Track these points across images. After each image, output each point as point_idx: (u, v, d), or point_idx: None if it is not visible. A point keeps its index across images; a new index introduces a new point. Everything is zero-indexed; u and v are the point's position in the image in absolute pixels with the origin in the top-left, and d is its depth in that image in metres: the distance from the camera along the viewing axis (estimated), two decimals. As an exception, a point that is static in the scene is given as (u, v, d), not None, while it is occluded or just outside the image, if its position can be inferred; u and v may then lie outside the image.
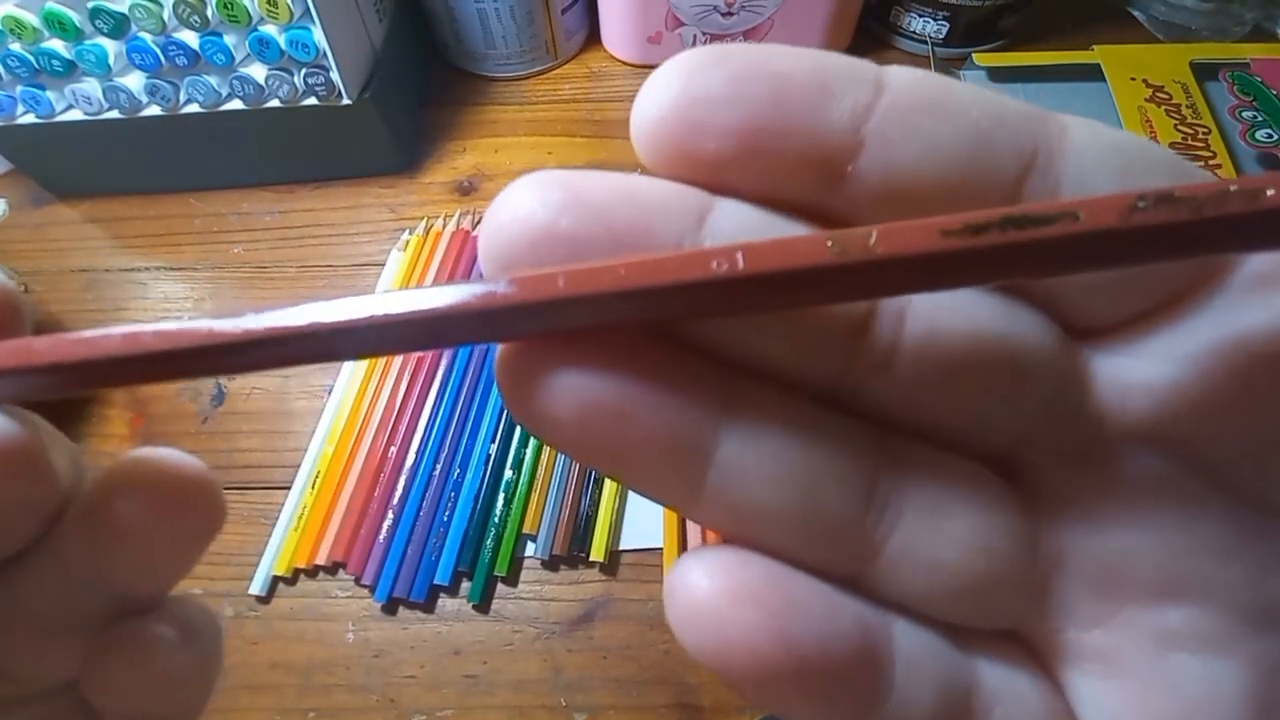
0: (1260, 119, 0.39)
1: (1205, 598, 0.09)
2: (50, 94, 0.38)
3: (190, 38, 0.35)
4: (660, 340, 0.09)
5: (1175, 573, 0.09)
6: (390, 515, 0.31)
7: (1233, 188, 0.06)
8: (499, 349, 0.08)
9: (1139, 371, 0.09)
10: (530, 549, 0.31)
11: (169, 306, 0.39)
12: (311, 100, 0.38)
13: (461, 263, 0.38)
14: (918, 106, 0.08)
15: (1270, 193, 0.06)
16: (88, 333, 0.08)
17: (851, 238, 0.07)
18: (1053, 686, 0.09)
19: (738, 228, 0.08)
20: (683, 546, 0.30)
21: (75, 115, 0.39)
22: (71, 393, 0.08)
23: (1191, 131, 0.39)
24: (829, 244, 0.07)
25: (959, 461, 0.09)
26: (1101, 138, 0.08)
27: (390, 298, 0.07)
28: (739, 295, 0.07)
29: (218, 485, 0.11)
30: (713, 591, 0.08)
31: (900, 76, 0.08)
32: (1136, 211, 0.07)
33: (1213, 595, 0.09)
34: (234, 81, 0.37)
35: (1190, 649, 0.09)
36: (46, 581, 0.10)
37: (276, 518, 0.32)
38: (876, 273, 0.07)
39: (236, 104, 0.38)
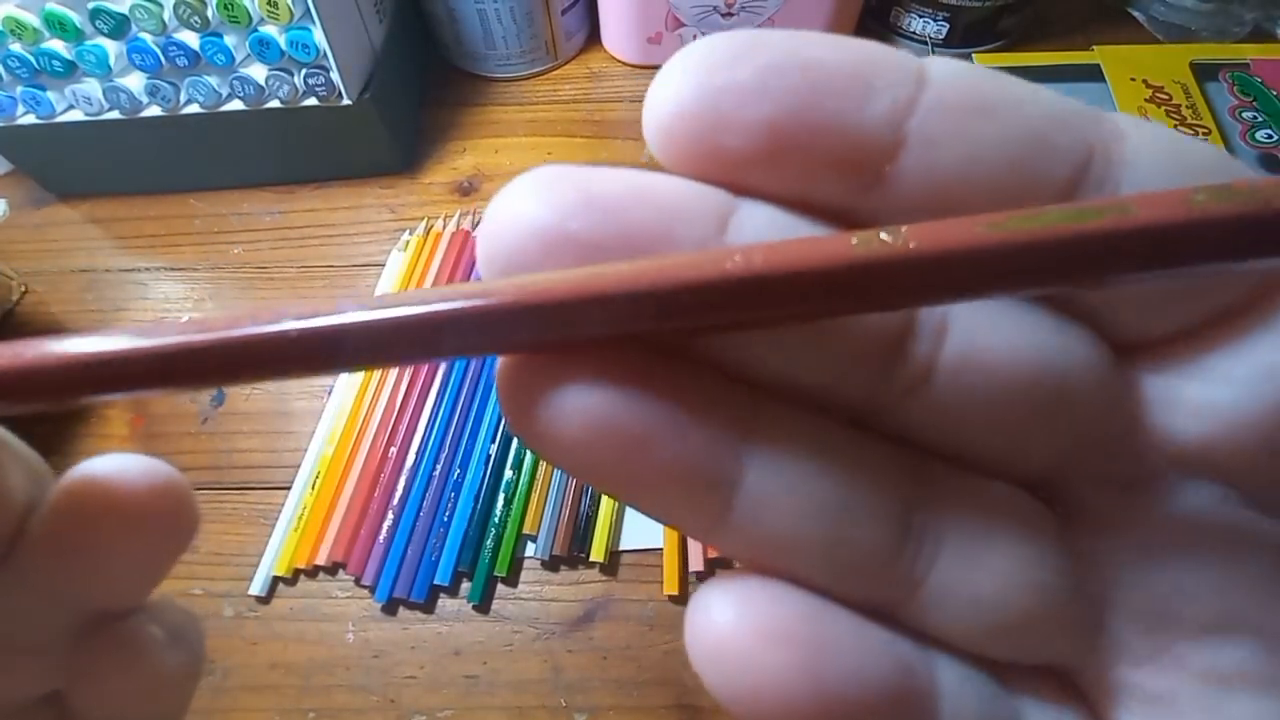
0: (1260, 119, 0.39)
1: (1259, 635, 0.08)
2: (51, 94, 0.38)
3: (190, 38, 0.35)
4: (678, 357, 0.08)
5: (1228, 609, 0.08)
6: (390, 515, 0.31)
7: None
8: (500, 361, 0.08)
9: (1192, 393, 0.08)
10: (530, 549, 0.31)
11: (169, 306, 0.39)
12: (311, 101, 0.38)
13: (462, 263, 0.38)
14: (965, 104, 0.07)
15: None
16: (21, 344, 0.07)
17: (879, 235, 0.06)
18: None
19: (762, 232, 0.08)
20: (683, 547, 0.30)
21: (76, 116, 0.39)
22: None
23: (1191, 132, 0.39)
24: (854, 241, 0.06)
25: (999, 488, 0.08)
26: (1161, 140, 0.08)
27: (374, 302, 0.07)
28: (757, 300, 0.07)
29: (187, 490, 0.10)
30: (739, 628, 0.07)
31: (945, 70, 0.07)
32: (1197, 205, 0.06)
33: (1266, 633, 0.08)
34: (234, 82, 0.37)
35: (1243, 688, 0.08)
36: (9, 600, 0.10)
37: (276, 518, 0.32)
38: (909, 273, 0.06)
39: (237, 104, 0.38)
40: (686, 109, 0.07)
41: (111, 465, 0.10)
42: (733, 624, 0.07)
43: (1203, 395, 0.08)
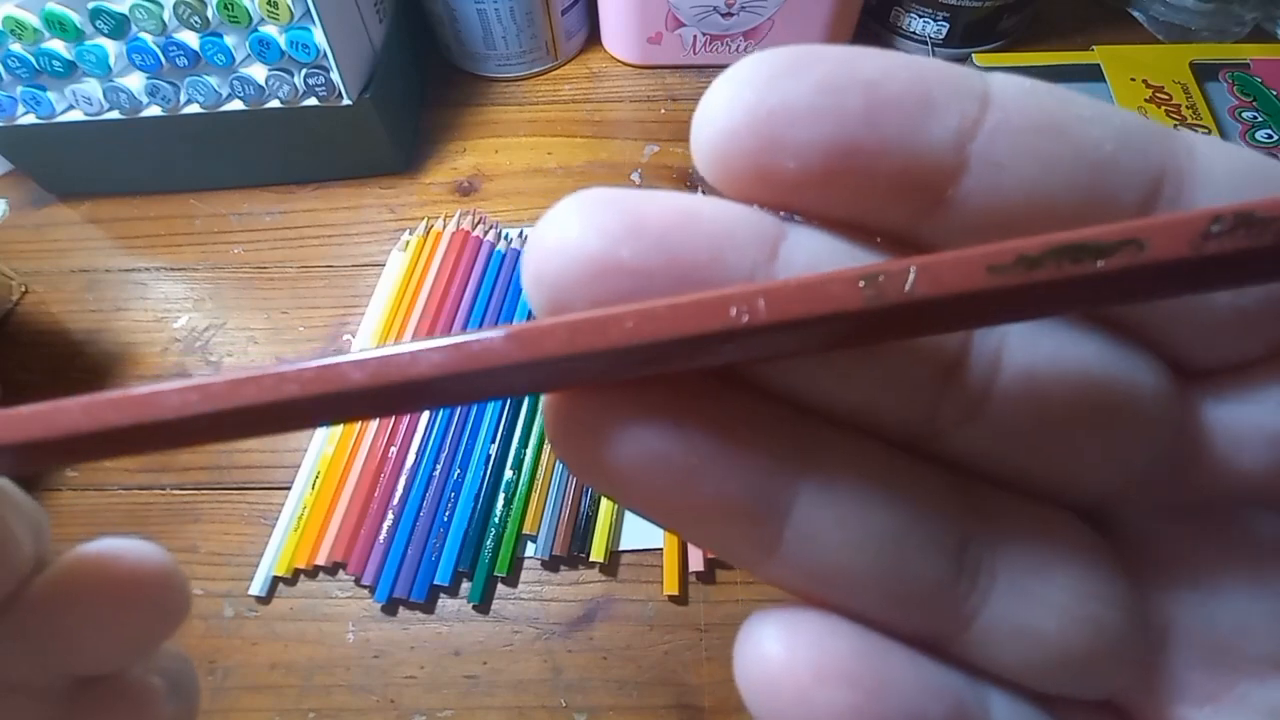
0: (1260, 119, 0.39)
1: None
2: (51, 94, 0.38)
3: (191, 38, 0.35)
4: (728, 384, 0.08)
5: None
6: (390, 515, 0.31)
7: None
8: (547, 396, 0.07)
9: (1258, 420, 0.08)
10: (530, 549, 0.31)
11: (169, 307, 0.39)
12: (312, 101, 0.38)
13: (461, 263, 0.38)
14: (1031, 124, 0.07)
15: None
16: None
17: (887, 276, 0.06)
18: None
19: (814, 259, 0.07)
20: (683, 547, 0.30)
21: (76, 116, 0.39)
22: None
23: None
24: (861, 284, 0.06)
25: (1056, 516, 0.08)
26: (1232, 158, 0.07)
27: (358, 358, 0.07)
28: (761, 344, 0.07)
29: (181, 577, 0.11)
30: (793, 663, 0.07)
31: (1009, 88, 0.07)
32: (1210, 238, 0.06)
33: None
34: (234, 82, 0.37)
35: None
36: (8, 647, 0.10)
37: (276, 518, 0.32)
38: (915, 316, 0.06)
39: (237, 104, 0.38)
40: (739, 128, 0.07)
41: (109, 548, 0.10)
42: (785, 658, 0.07)
43: (1266, 424, 0.08)
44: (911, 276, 0.06)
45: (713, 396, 0.07)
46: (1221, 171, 0.07)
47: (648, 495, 0.07)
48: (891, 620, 0.08)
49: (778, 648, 0.07)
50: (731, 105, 0.07)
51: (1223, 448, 0.08)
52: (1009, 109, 0.07)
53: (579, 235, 0.07)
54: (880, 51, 0.07)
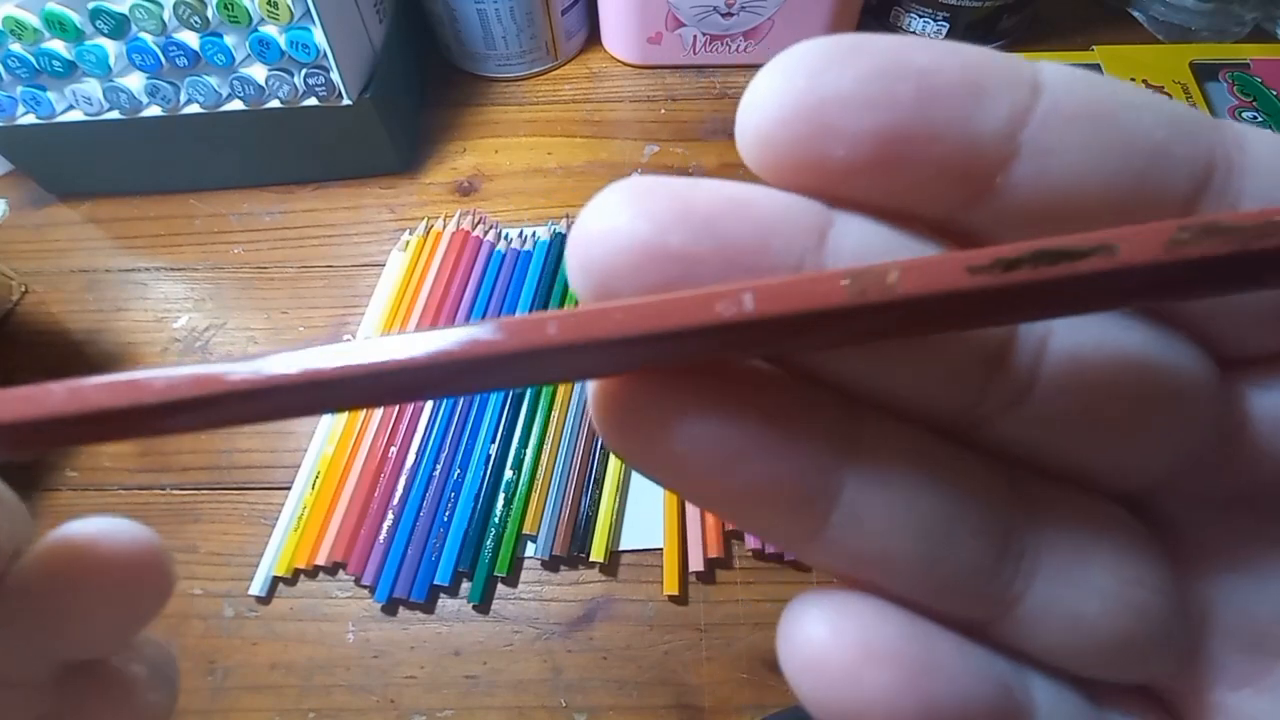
0: (1260, 119, 0.39)
1: None
2: (51, 95, 0.38)
3: (191, 38, 0.35)
4: (780, 373, 0.08)
5: None
6: (390, 515, 0.31)
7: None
8: (595, 383, 0.08)
9: None
10: (530, 549, 0.31)
11: (169, 307, 0.39)
12: (312, 101, 0.38)
13: (461, 263, 0.38)
14: (1081, 112, 0.07)
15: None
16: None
17: (871, 275, 0.06)
18: None
19: (862, 247, 0.07)
20: (683, 547, 0.30)
21: (76, 116, 0.39)
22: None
23: (1191, 132, 0.39)
24: (845, 283, 0.06)
25: (1099, 504, 0.08)
26: None
27: (357, 347, 0.07)
28: (751, 338, 0.07)
29: (165, 555, 0.10)
30: (841, 645, 0.07)
31: (1060, 76, 0.07)
32: (1178, 245, 0.06)
33: None
34: (234, 82, 0.37)
35: None
36: None
37: (276, 518, 0.32)
38: (900, 313, 0.06)
39: (237, 104, 0.38)
40: (789, 115, 0.07)
41: (93, 528, 0.10)
42: (831, 639, 0.07)
43: None
44: (895, 275, 0.06)
45: (763, 384, 0.08)
46: (1271, 162, 0.07)
47: (692, 481, 0.07)
48: (935, 604, 0.08)
49: (824, 630, 0.07)
50: (782, 93, 0.07)
51: (1264, 437, 0.08)
52: (1059, 96, 0.07)
53: (627, 222, 0.07)
54: (930, 41, 0.07)
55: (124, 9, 0.34)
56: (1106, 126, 0.07)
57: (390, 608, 0.30)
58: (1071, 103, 0.07)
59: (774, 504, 0.07)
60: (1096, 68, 0.42)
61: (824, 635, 0.07)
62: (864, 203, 0.07)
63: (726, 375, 0.07)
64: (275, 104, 0.38)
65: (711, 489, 0.07)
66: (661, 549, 0.30)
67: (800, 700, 0.08)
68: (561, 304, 0.36)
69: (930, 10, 0.45)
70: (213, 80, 0.37)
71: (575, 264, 0.07)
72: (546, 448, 0.32)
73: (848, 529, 0.08)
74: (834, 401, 0.08)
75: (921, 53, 0.07)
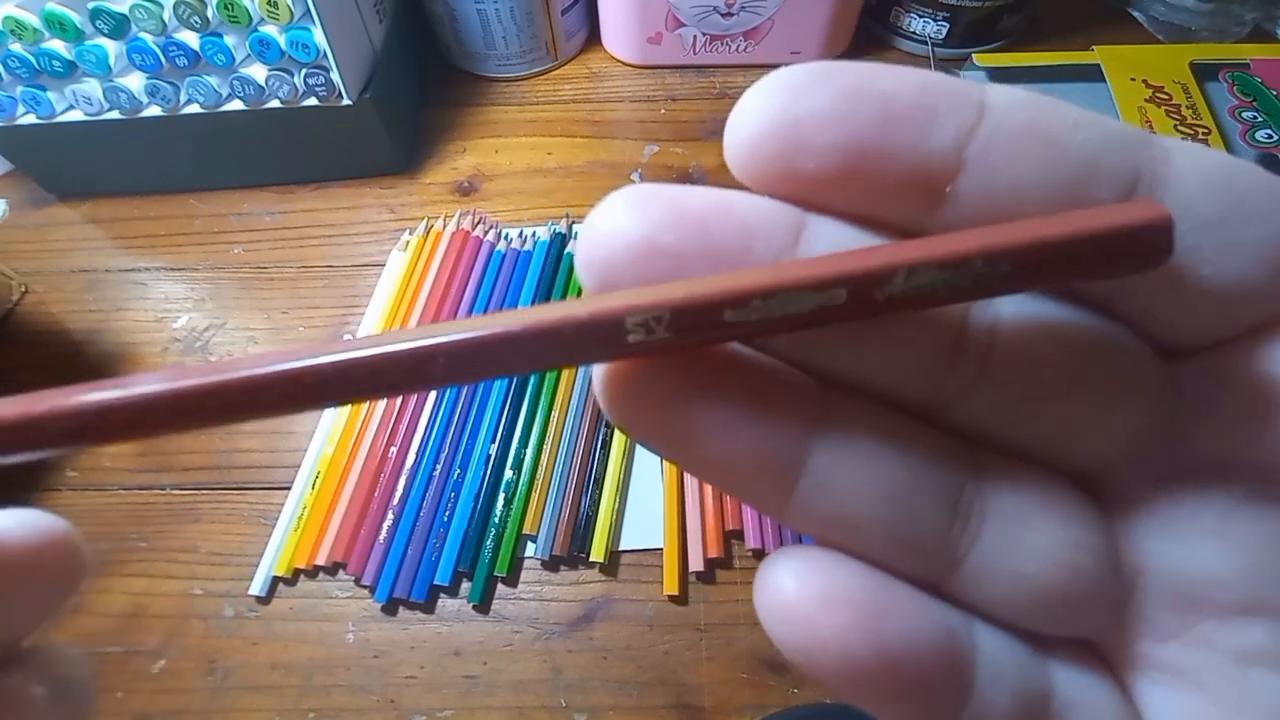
0: (1260, 119, 0.39)
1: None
2: (51, 95, 0.38)
3: (191, 38, 0.35)
4: (757, 356, 0.09)
5: (1257, 591, 0.09)
6: (390, 515, 0.31)
7: (978, 259, 0.07)
8: (600, 367, 0.09)
9: (1227, 393, 0.09)
10: (530, 549, 0.31)
11: (169, 307, 0.39)
12: (312, 101, 0.38)
13: (461, 263, 0.38)
14: (1020, 130, 0.08)
15: (1006, 266, 0.07)
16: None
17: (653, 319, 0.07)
18: (1124, 696, 0.09)
19: (831, 247, 0.08)
20: (683, 547, 0.30)
21: (76, 116, 0.39)
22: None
23: (1191, 132, 0.39)
24: (632, 338, 0.07)
25: (1043, 475, 0.09)
26: (1204, 162, 0.08)
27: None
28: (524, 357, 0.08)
29: (74, 542, 0.11)
30: (803, 593, 0.08)
31: (1003, 98, 0.08)
32: (896, 288, 0.07)
33: None
34: (234, 82, 0.37)
35: (1269, 666, 0.09)
36: None
37: (276, 518, 0.32)
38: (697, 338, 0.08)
39: (237, 104, 0.38)
40: (767, 133, 0.08)
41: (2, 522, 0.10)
42: (795, 588, 0.08)
43: (1239, 396, 0.08)
44: (667, 317, 0.07)
45: (744, 368, 0.09)
46: (1193, 173, 0.08)
47: (681, 449, 0.09)
48: (892, 560, 0.09)
49: (790, 580, 0.08)
50: (761, 113, 0.08)
51: (1196, 417, 0.09)
52: (1002, 116, 0.08)
53: (627, 223, 0.08)
54: (892, 67, 0.08)
55: (124, 9, 0.34)
56: (1043, 143, 0.08)
57: (390, 608, 0.30)
58: (1013, 122, 0.08)
59: (749, 472, 0.09)
60: (1096, 68, 0.42)
61: (790, 584, 0.08)
62: (836, 208, 0.09)
63: (714, 360, 0.09)
64: (275, 104, 0.38)
65: (695, 458, 0.09)
66: (661, 549, 0.30)
67: (775, 643, 0.09)
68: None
69: (930, 10, 0.45)
70: (213, 80, 0.37)
71: (581, 260, 0.08)
72: (546, 448, 0.32)
73: (814, 495, 0.09)
74: (804, 381, 0.09)
75: (883, 78, 0.08)
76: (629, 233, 0.08)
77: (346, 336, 0.37)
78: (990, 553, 0.09)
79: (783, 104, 0.08)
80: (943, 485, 0.09)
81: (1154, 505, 0.09)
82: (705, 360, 0.09)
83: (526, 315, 0.07)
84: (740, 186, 0.09)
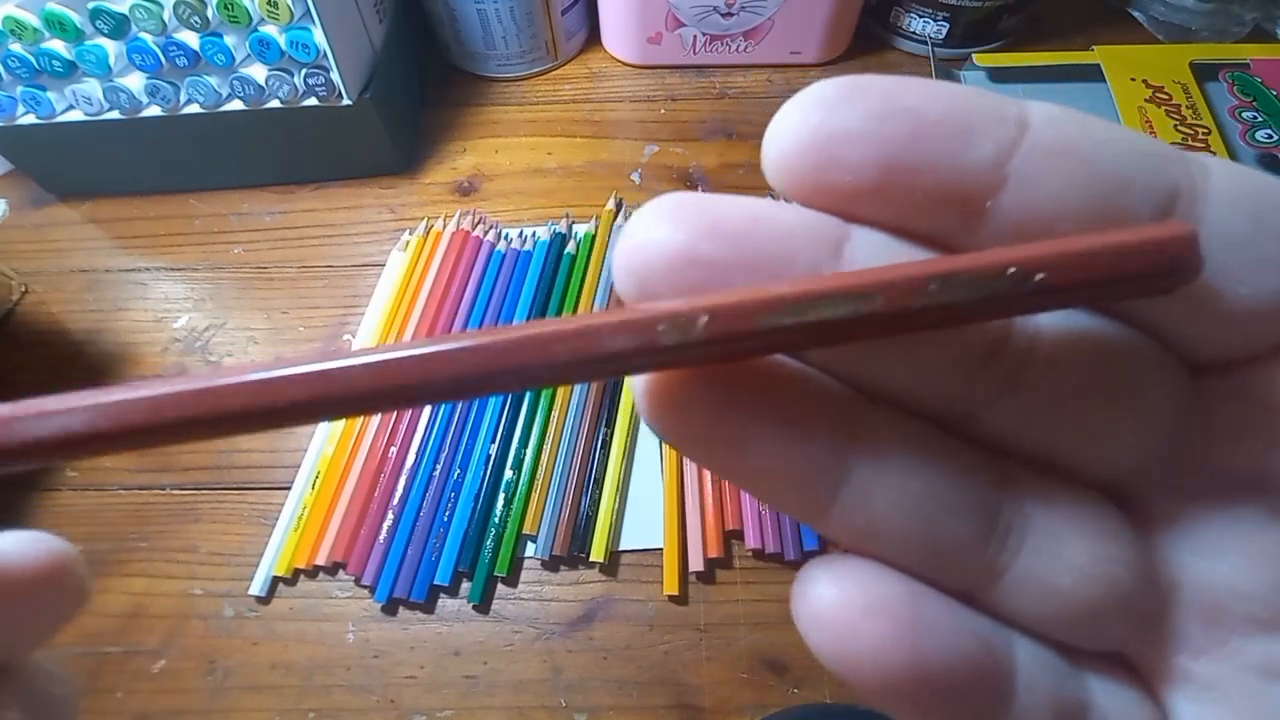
0: (1260, 119, 0.39)
1: None
2: (51, 95, 0.38)
3: (191, 38, 0.35)
4: (796, 368, 0.09)
5: None
6: (390, 515, 0.31)
7: (1010, 270, 0.07)
8: (642, 378, 0.09)
9: (1256, 410, 0.09)
10: (530, 549, 0.31)
11: (169, 307, 0.39)
12: (312, 101, 0.38)
13: (461, 263, 0.38)
14: (1059, 146, 0.08)
15: (1040, 277, 0.07)
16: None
17: (686, 319, 0.07)
18: (1157, 708, 0.10)
19: (874, 257, 0.08)
20: (683, 547, 0.30)
21: (76, 116, 0.39)
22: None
23: (1191, 132, 0.39)
24: (660, 329, 0.07)
25: (1077, 490, 0.09)
26: (1239, 181, 0.08)
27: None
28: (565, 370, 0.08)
29: (74, 564, 0.11)
30: (841, 602, 0.08)
31: (1043, 114, 0.08)
32: (929, 295, 0.07)
33: None
34: (234, 82, 0.37)
35: None
36: None
37: (276, 518, 0.32)
38: (708, 352, 0.07)
39: (237, 104, 0.38)
40: (803, 148, 0.08)
41: (3, 544, 0.10)
42: (835, 597, 0.08)
43: (1267, 418, 0.09)
44: (701, 322, 0.07)
45: (782, 380, 0.09)
46: (1229, 189, 0.08)
47: (721, 461, 0.09)
48: (930, 573, 0.09)
49: (830, 589, 0.09)
50: (797, 128, 0.08)
51: (1225, 433, 0.09)
52: (1042, 132, 0.08)
53: (665, 233, 0.08)
54: (925, 81, 0.08)
55: (124, 9, 0.34)
56: (1080, 159, 0.08)
57: (390, 608, 0.30)
58: (1052, 137, 0.08)
59: (787, 484, 0.09)
60: (1096, 68, 0.42)
61: (829, 593, 0.08)
62: (875, 221, 0.09)
63: (756, 372, 0.09)
64: (275, 104, 0.38)
65: (737, 469, 0.09)
66: (661, 549, 0.30)
67: (814, 651, 0.09)
68: (561, 302, 0.36)
69: (930, 10, 0.45)
70: (213, 80, 0.37)
71: (619, 268, 0.08)
72: (546, 448, 0.32)
73: (853, 507, 0.09)
74: (843, 395, 0.09)
75: (914, 94, 0.08)
76: (666, 242, 0.08)
77: (346, 337, 0.37)
78: (1026, 569, 0.09)
79: (816, 120, 0.08)
80: (978, 497, 0.09)
81: (1183, 520, 0.09)
82: (747, 371, 0.09)
83: (559, 323, 0.07)
84: (767, 191, 0.09)
